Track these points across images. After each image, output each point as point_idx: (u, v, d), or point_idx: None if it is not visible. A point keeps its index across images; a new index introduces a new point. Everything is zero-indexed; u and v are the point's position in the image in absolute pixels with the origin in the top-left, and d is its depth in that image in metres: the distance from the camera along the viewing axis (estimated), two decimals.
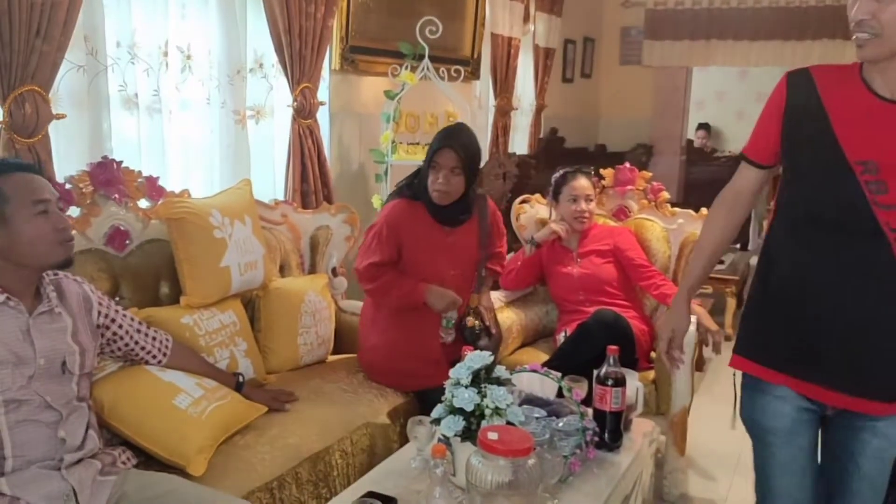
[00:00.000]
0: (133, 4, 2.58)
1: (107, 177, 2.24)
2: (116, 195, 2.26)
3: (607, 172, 3.30)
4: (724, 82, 8.98)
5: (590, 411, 1.99)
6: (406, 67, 3.67)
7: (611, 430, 2.00)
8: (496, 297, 3.01)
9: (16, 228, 1.55)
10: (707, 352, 2.90)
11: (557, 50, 6.32)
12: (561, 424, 1.87)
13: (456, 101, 3.88)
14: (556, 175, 3.08)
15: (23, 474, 1.55)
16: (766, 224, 1.75)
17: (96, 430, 1.72)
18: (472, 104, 4.81)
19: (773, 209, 1.70)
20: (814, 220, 1.56)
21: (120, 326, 1.88)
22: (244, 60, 3.04)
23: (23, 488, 1.53)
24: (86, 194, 2.19)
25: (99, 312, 1.81)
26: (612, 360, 1.99)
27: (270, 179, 3.35)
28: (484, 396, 1.72)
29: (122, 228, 2.28)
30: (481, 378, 1.77)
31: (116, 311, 1.88)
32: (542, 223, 3.18)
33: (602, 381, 1.98)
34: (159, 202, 2.35)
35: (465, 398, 1.71)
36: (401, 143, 3.71)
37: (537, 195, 3.36)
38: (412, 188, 2.56)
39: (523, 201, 3.35)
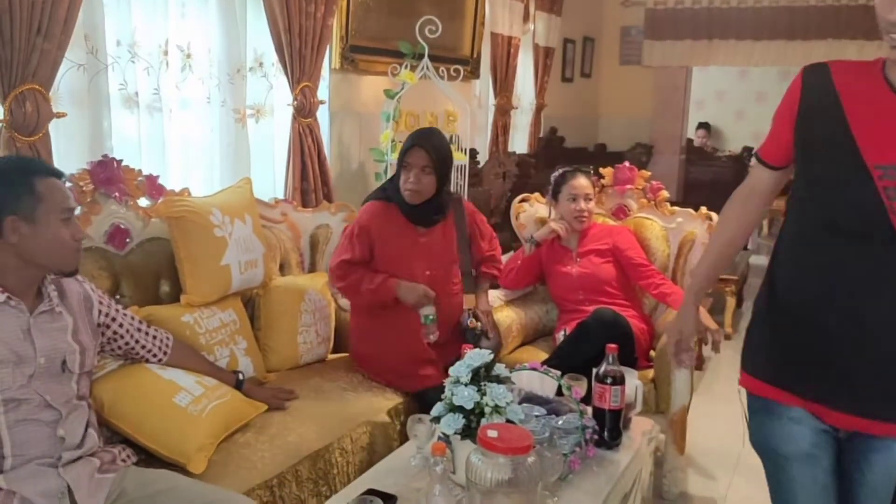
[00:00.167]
0: (133, 3, 2.58)
1: (107, 175, 2.24)
2: (117, 193, 2.26)
3: (607, 171, 3.30)
4: (724, 82, 8.99)
5: (589, 409, 1.99)
6: (406, 67, 3.68)
7: (610, 428, 2.00)
8: (496, 295, 3.02)
9: (41, 229, 1.59)
10: (706, 350, 2.90)
11: (557, 49, 6.33)
12: (560, 422, 1.87)
13: (456, 101, 3.88)
14: (556, 174, 3.07)
15: (20, 470, 1.55)
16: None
17: (96, 429, 1.72)
18: (472, 103, 4.81)
19: (783, 213, 1.60)
20: (827, 227, 1.44)
21: (120, 325, 1.89)
22: (244, 59, 3.04)
23: (19, 483, 1.54)
24: (86, 193, 2.19)
25: (99, 311, 1.82)
26: (611, 359, 2.00)
27: (270, 178, 3.35)
28: (484, 394, 1.72)
29: (122, 227, 2.28)
30: (481, 376, 1.78)
31: (117, 310, 1.89)
32: (542, 222, 3.17)
33: (601, 380, 1.99)
34: (159, 201, 2.35)
35: (465, 396, 1.72)
36: (400, 142, 3.68)
37: (537, 194, 3.36)
38: (386, 190, 2.60)
39: (523, 200, 3.35)
